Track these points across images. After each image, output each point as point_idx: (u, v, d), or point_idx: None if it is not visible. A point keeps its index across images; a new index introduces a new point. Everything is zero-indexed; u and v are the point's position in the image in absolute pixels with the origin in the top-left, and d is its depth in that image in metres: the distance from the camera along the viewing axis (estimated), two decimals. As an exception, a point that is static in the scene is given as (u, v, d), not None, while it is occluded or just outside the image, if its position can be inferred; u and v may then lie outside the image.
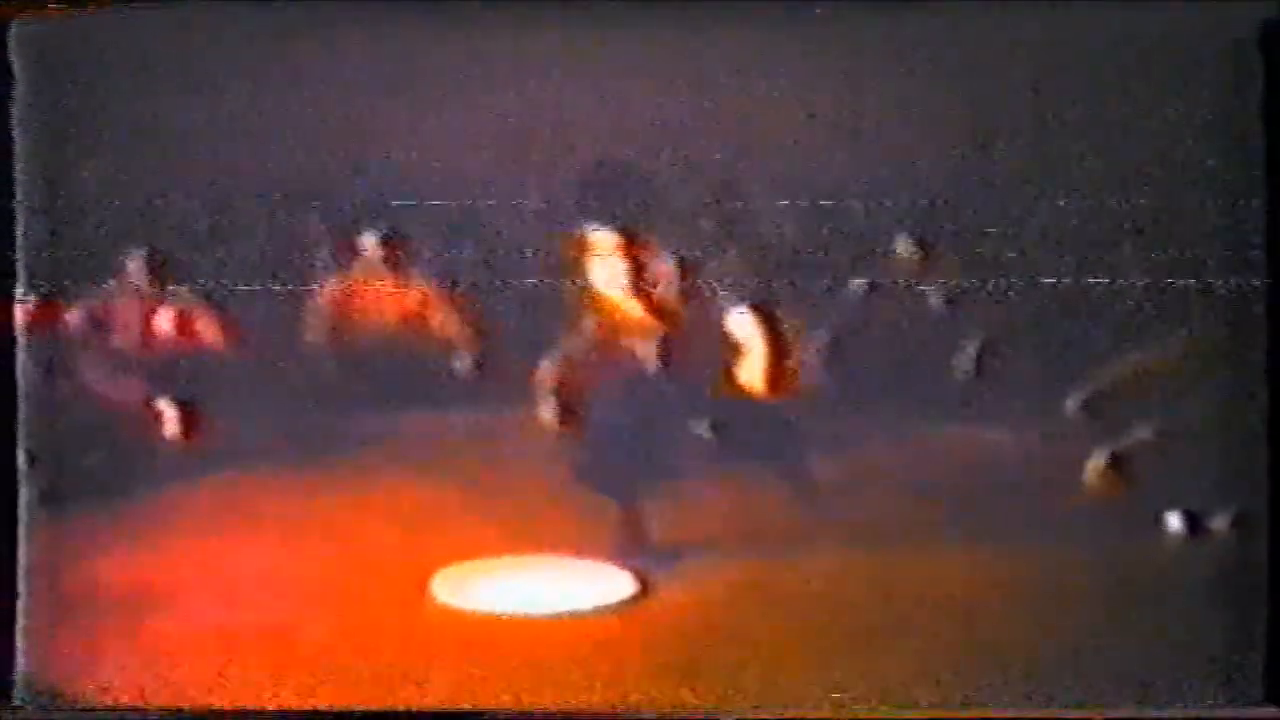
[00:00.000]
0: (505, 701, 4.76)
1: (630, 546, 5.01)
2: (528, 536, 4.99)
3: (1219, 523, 4.80)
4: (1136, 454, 4.87)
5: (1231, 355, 4.77)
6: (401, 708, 4.77)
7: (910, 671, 4.76)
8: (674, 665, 4.79)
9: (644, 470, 5.02)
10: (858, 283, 4.92)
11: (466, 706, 4.77)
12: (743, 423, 5.00)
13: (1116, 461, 4.87)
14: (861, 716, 4.71)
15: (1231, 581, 4.75)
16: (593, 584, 4.97)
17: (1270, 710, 4.66)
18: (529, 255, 4.91)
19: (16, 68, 4.74)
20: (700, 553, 5.00)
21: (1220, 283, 4.77)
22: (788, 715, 4.74)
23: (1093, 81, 4.79)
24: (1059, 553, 4.86)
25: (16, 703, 4.80)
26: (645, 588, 4.97)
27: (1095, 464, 4.87)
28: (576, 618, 4.91)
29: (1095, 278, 4.84)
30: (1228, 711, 4.68)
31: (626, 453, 5.02)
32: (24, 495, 4.87)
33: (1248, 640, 4.70)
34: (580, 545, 5.00)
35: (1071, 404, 4.87)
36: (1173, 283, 4.81)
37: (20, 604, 4.83)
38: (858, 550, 4.93)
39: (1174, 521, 4.81)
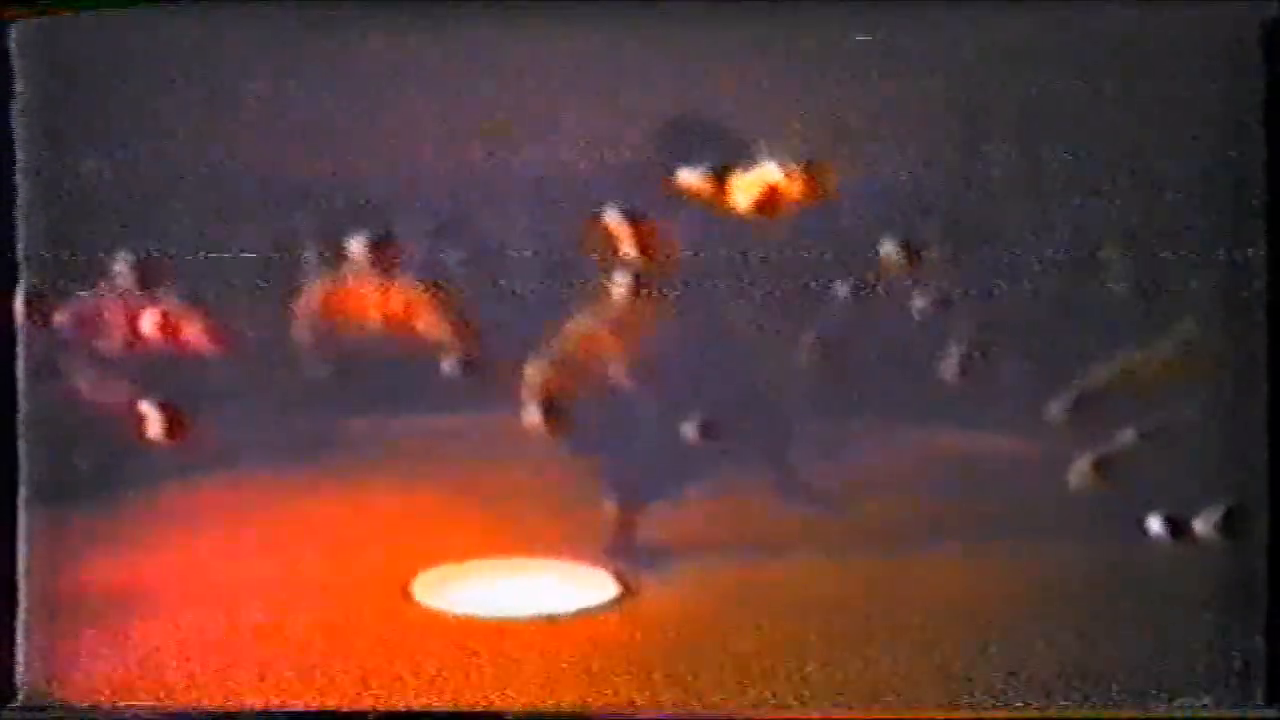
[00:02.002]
0: (485, 703, 4.71)
1: (615, 549, 4.99)
2: (512, 539, 4.98)
3: (1214, 524, 4.75)
4: (1126, 456, 4.84)
5: (1228, 356, 4.74)
6: (384, 708, 4.74)
7: (898, 673, 4.70)
8: (657, 668, 4.74)
9: (629, 473, 5.01)
10: (843, 286, 4.93)
11: (446, 708, 4.73)
12: (729, 425, 4.99)
13: (1103, 464, 4.84)
14: (848, 718, 4.65)
15: (1231, 582, 4.70)
16: (575, 587, 4.94)
17: (1271, 711, 4.58)
18: (516, 257, 4.95)
19: (16, 68, 4.81)
20: (684, 556, 4.97)
21: (1218, 284, 4.75)
22: (773, 717, 4.68)
23: (1088, 82, 4.80)
24: (1054, 554, 4.82)
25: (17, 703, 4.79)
26: (628, 590, 4.94)
27: (1081, 467, 4.84)
28: (558, 620, 4.87)
29: (1083, 281, 4.84)
30: (1228, 712, 4.60)
31: (612, 455, 5.01)
32: (23, 496, 4.89)
33: (1248, 641, 4.63)
34: (564, 548, 4.98)
35: (1059, 407, 4.85)
36: (1165, 285, 4.79)
37: (20, 606, 4.83)
38: (842, 553, 4.89)
39: (1155, 525, 4.77)
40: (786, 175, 4.79)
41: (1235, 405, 4.72)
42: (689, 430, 5.01)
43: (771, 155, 4.85)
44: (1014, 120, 4.84)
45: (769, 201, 4.86)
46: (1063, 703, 4.63)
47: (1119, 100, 4.79)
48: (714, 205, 4.94)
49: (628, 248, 4.94)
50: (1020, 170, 4.85)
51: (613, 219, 4.91)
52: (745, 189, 4.89)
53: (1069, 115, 4.82)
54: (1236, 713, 4.62)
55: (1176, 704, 4.60)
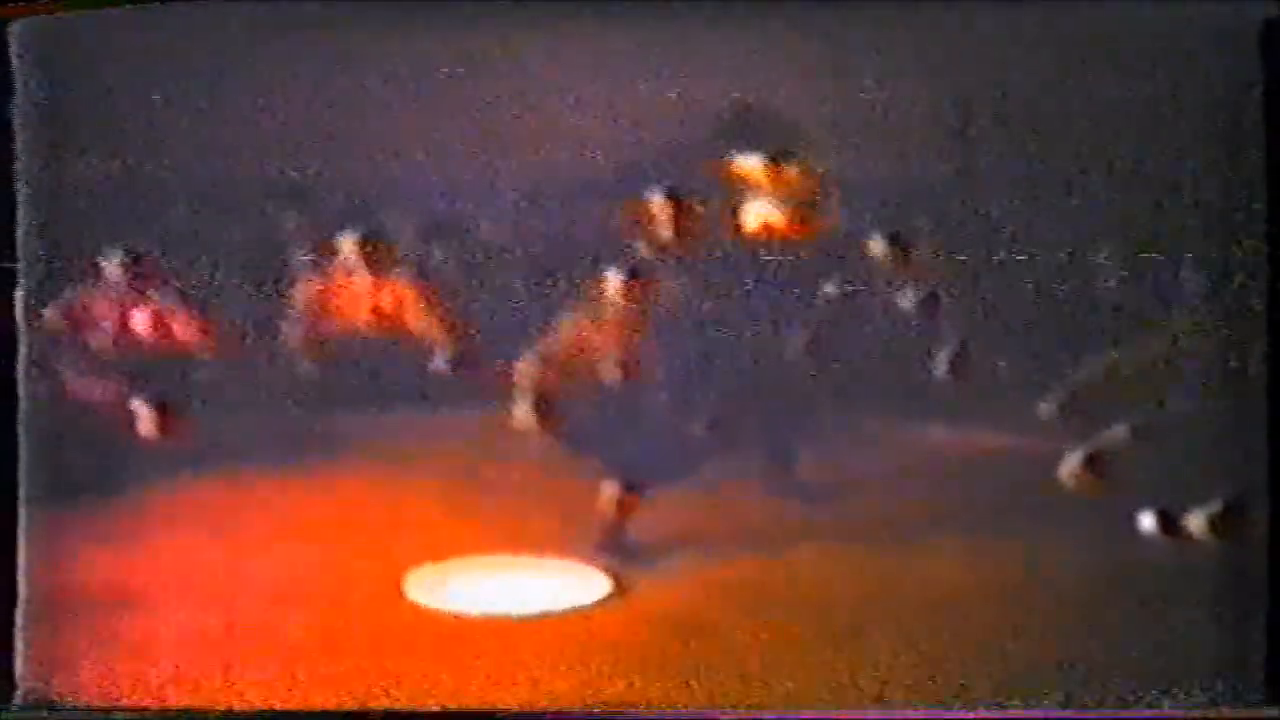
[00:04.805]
0: (478, 701, 4.72)
1: (608, 546, 4.99)
2: (504, 536, 4.98)
3: (1209, 520, 4.74)
4: (1119, 453, 4.83)
5: (1224, 351, 4.72)
6: (377, 706, 4.75)
7: (894, 671, 4.70)
8: (650, 665, 4.74)
9: (622, 469, 5.01)
10: (833, 283, 4.92)
11: (440, 706, 4.73)
12: (720, 422, 4.99)
13: (1095, 460, 4.83)
14: (842, 716, 4.65)
15: (1228, 578, 4.69)
16: (568, 584, 4.95)
17: (1270, 709, 4.57)
18: (507, 255, 4.95)
19: (16, 68, 4.80)
20: (678, 552, 4.97)
21: (1215, 281, 4.73)
22: (770, 715, 4.68)
23: (1084, 81, 4.78)
24: (1047, 551, 4.82)
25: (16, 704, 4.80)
26: (621, 587, 4.94)
27: (1073, 463, 4.83)
28: (551, 618, 4.88)
29: (1076, 277, 4.82)
30: (1228, 711, 4.60)
31: (605, 451, 5.01)
32: (22, 496, 4.89)
33: (1247, 640, 4.62)
34: (557, 545, 4.98)
35: (1051, 404, 4.84)
36: (1160, 282, 4.78)
37: (19, 606, 4.84)
38: (836, 550, 4.89)
39: (1147, 521, 4.76)
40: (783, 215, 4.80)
41: (1232, 401, 4.70)
42: (682, 427, 5.01)
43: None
44: (1008, 118, 4.82)
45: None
46: (1059, 701, 4.63)
47: (1116, 99, 4.76)
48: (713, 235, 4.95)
49: (663, 230, 4.91)
50: (1013, 168, 4.83)
51: (656, 199, 4.89)
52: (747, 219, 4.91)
53: (1064, 114, 4.80)
54: (1235, 710, 4.61)
55: (1174, 702, 4.60)
